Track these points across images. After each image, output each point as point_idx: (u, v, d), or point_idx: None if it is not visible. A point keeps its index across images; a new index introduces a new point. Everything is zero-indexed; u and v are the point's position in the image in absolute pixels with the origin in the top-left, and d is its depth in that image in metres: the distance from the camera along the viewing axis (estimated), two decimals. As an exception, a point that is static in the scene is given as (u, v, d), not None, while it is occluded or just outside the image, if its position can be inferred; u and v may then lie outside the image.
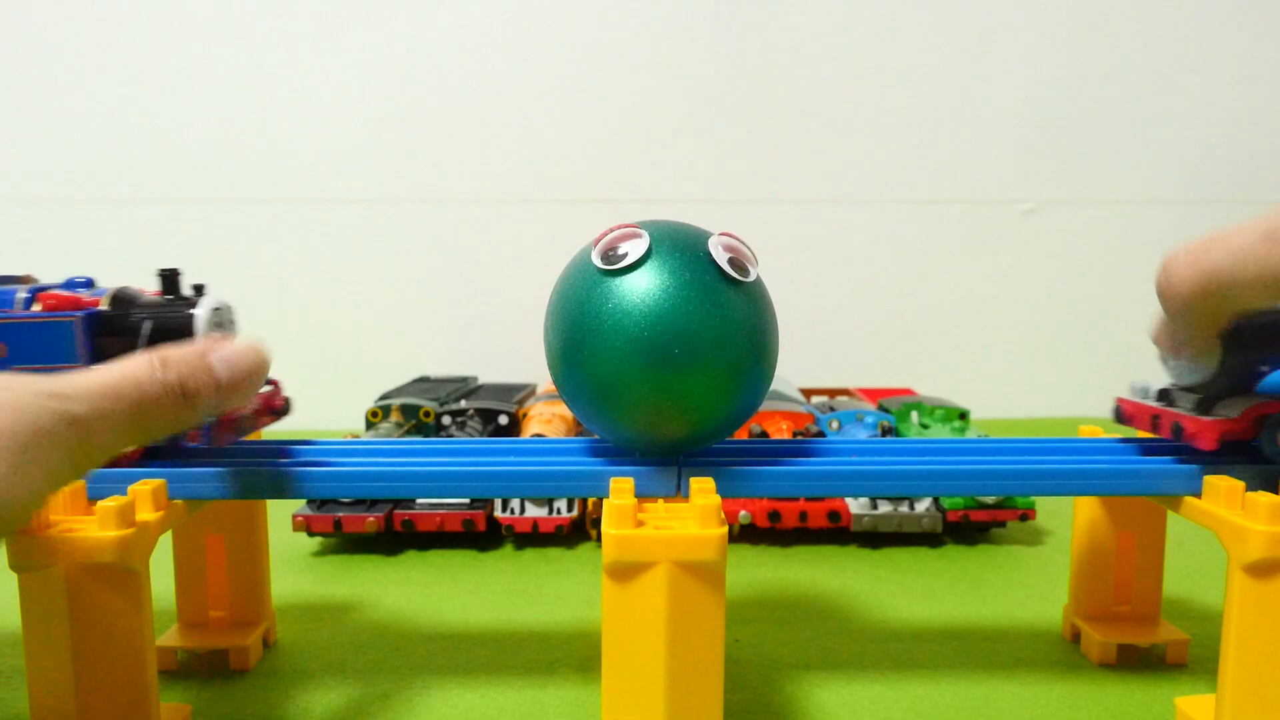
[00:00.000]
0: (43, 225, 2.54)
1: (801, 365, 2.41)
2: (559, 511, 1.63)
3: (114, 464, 1.03)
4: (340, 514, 1.58)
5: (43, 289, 1.08)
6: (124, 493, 0.98)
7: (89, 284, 1.09)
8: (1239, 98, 2.57)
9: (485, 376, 2.37)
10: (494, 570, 1.53)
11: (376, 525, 1.57)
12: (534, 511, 1.62)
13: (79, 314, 1.04)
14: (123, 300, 1.07)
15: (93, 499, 0.97)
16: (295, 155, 2.54)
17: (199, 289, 1.10)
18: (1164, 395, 1.11)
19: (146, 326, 1.05)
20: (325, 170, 2.55)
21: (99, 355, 1.03)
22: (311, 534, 1.59)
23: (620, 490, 0.96)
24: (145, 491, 0.98)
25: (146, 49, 2.51)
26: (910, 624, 1.34)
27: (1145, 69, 2.55)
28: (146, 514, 0.97)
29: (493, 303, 2.58)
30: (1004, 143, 2.58)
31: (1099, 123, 2.57)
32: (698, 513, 0.91)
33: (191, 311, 1.07)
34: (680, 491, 1.00)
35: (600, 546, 1.33)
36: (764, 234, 2.39)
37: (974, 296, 2.64)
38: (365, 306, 2.61)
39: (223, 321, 1.09)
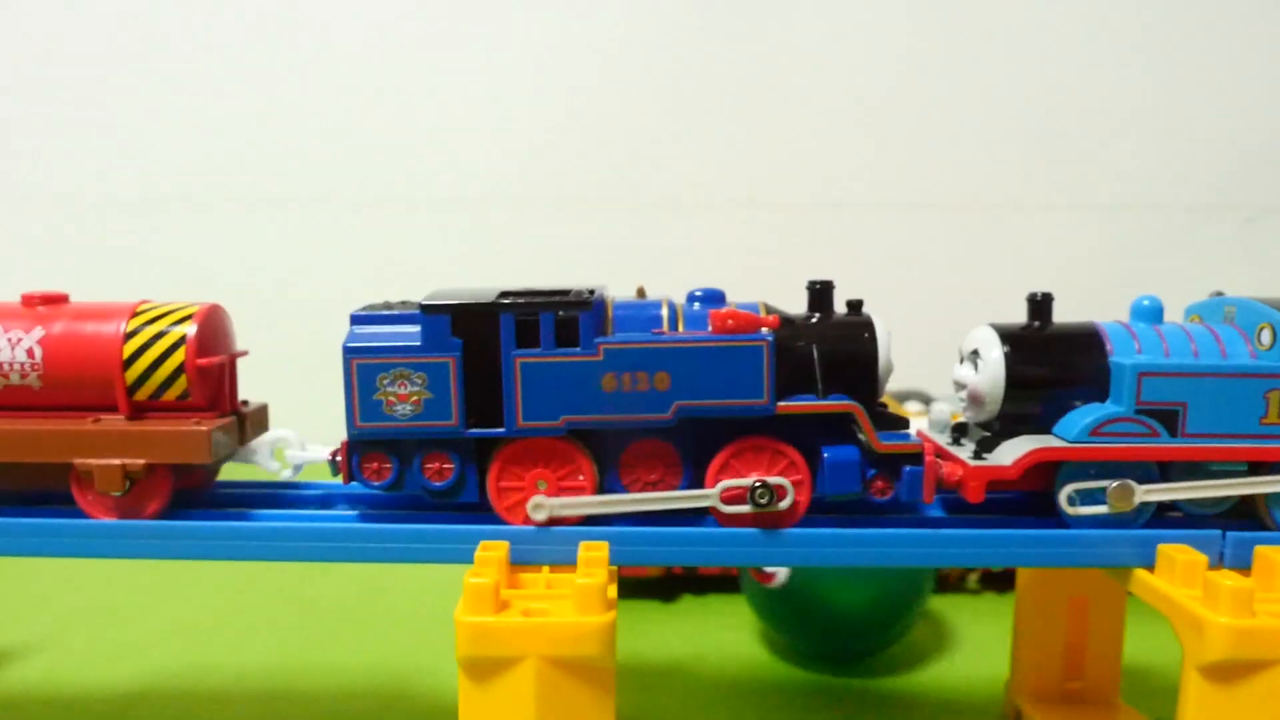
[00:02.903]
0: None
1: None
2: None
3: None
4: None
5: (674, 304, 0.91)
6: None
7: (721, 297, 0.91)
8: (1233, 103, 2.54)
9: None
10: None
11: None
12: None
13: (768, 337, 0.86)
14: (786, 321, 0.90)
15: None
16: (301, 156, 2.38)
17: (857, 305, 0.93)
18: (960, 430, 0.97)
19: (817, 353, 0.89)
20: (325, 170, 2.40)
21: (777, 389, 0.86)
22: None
23: (485, 560, 0.80)
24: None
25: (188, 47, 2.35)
26: (834, 692, 1.23)
27: (1137, 74, 2.51)
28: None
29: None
30: (1004, 147, 2.53)
31: (1092, 129, 2.53)
32: (577, 593, 0.75)
33: (871, 335, 0.90)
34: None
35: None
36: (760, 238, 2.46)
37: (974, 298, 2.49)
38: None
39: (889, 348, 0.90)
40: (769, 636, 1.38)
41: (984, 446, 0.91)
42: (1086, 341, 0.91)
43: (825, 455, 0.89)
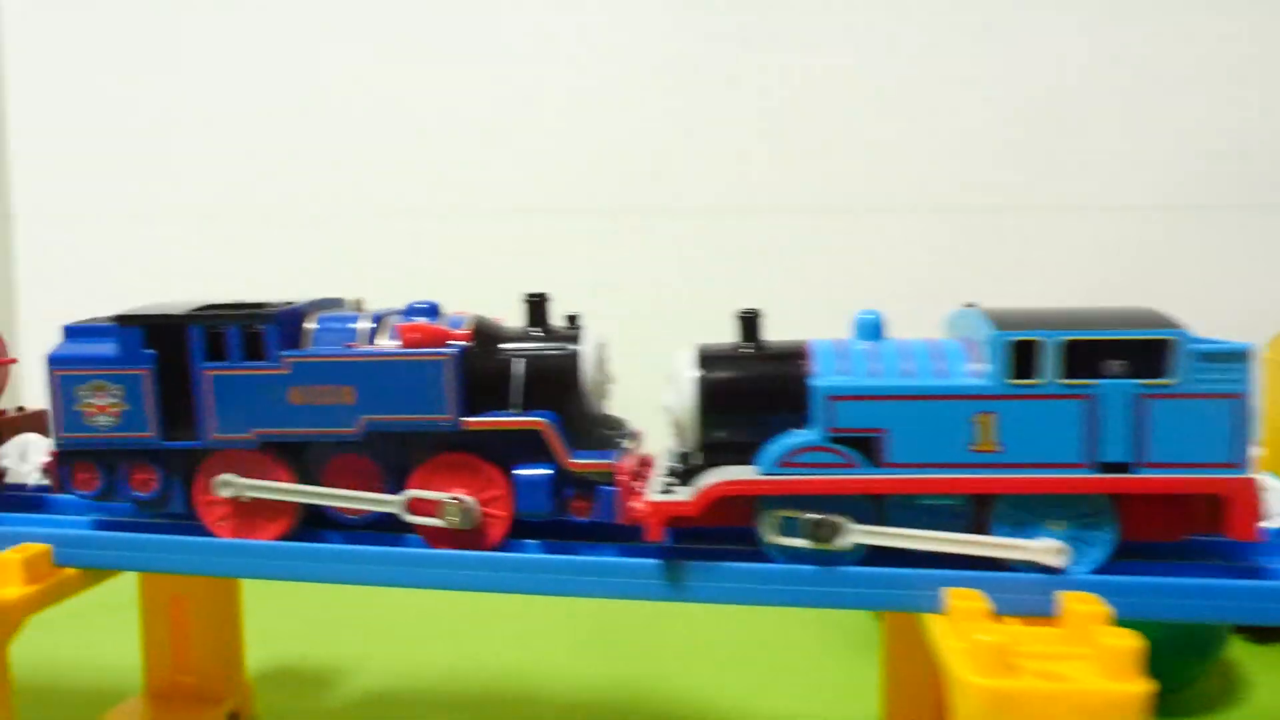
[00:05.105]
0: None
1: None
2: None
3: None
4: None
5: (380, 316, 0.91)
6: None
7: (435, 310, 0.90)
8: (1236, 101, 2.34)
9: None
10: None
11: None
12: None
13: (450, 351, 0.85)
14: (486, 334, 0.89)
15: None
16: (310, 167, 2.39)
17: (573, 319, 0.90)
18: (685, 458, 0.87)
19: (519, 368, 0.87)
20: (338, 181, 2.40)
21: (467, 405, 0.85)
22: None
23: (968, 610, 0.73)
24: (13, 559, 0.81)
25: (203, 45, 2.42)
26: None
27: (1139, 70, 2.34)
28: (13, 588, 0.80)
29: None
30: (1017, 147, 2.37)
31: (1115, 127, 2.36)
32: (1102, 655, 0.65)
33: (575, 349, 0.88)
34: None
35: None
36: (760, 244, 2.32)
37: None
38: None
39: (603, 361, 0.90)
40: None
41: (683, 479, 0.85)
42: (790, 362, 0.82)
43: (516, 473, 0.86)
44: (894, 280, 2.30)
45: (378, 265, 2.31)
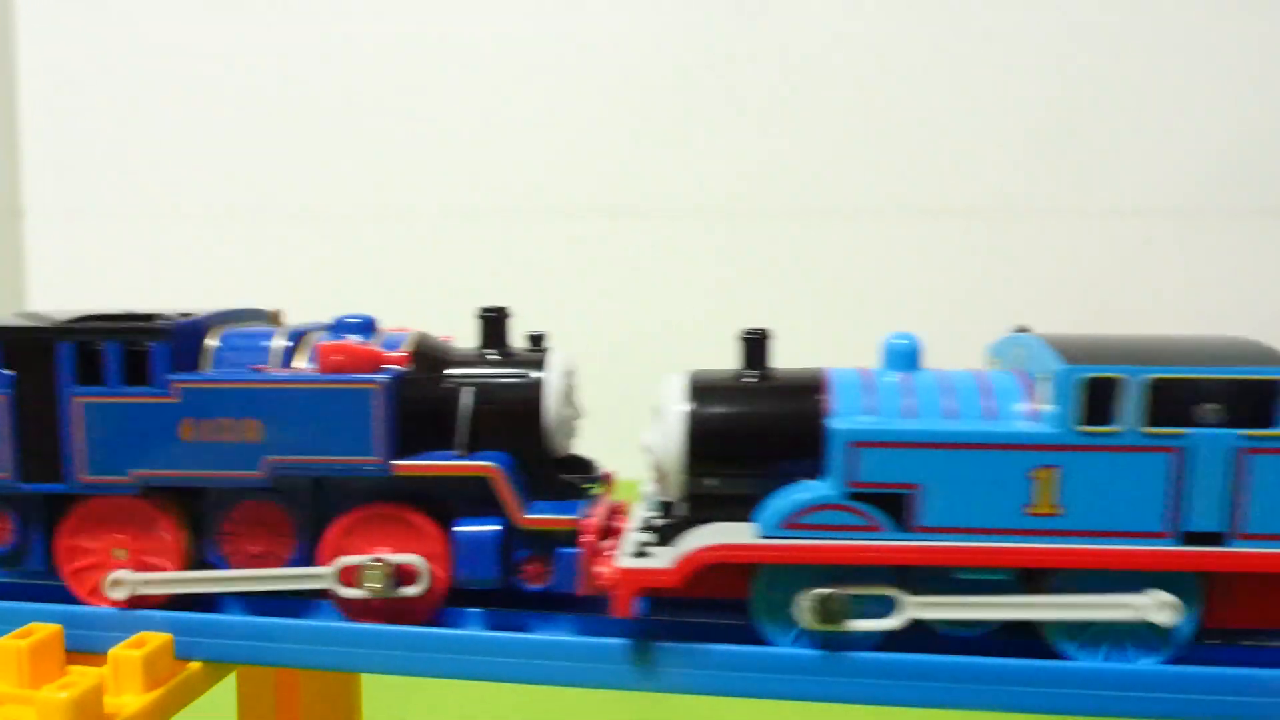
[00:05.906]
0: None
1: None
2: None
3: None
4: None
5: (301, 333, 0.75)
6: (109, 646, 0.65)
7: (369, 326, 0.74)
8: (1250, 104, 2.30)
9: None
10: None
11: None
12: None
13: (379, 379, 0.70)
14: (429, 356, 0.73)
15: (74, 649, 0.68)
16: (324, 170, 2.30)
17: (537, 340, 0.76)
18: (666, 511, 0.72)
19: (467, 398, 0.72)
20: (354, 183, 2.30)
21: (401, 442, 0.70)
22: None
23: None
24: (131, 656, 0.63)
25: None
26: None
27: (1153, 74, 2.29)
28: (131, 696, 0.61)
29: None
30: (1014, 150, 2.30)
31: (1111, 130, 2.30)
32: None
33: (537, 376, 0.73)
34: None
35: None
36: (761, 248, 2.23)
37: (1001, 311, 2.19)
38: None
39: (571, 391, 0.75)
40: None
41: (663, 536, 0.69)
42: (803, 396, 0.68)
43: (455, 531, 0.71)
44: (889, 287, 2.23)
45: (396, 269, 2.20)
